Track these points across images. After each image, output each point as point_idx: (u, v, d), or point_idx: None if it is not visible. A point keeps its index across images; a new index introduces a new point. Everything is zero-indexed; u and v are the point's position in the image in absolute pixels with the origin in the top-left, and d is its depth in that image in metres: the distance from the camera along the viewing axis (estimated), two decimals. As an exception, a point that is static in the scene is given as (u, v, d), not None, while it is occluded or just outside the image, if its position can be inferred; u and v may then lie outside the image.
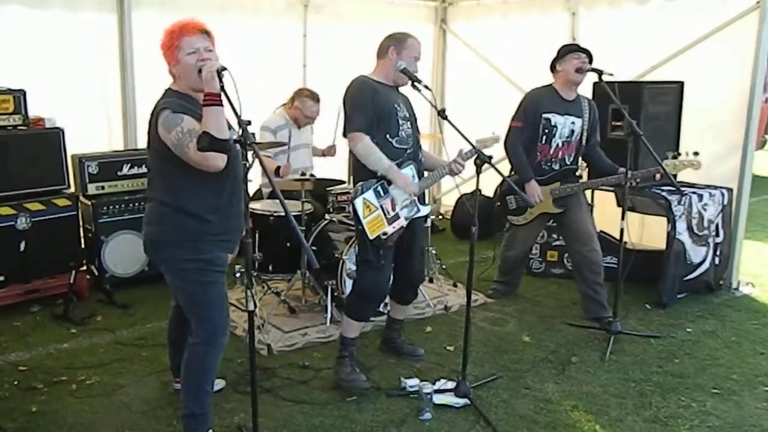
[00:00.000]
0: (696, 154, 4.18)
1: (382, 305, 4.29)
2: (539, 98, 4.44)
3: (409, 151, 3.52)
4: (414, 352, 3.90)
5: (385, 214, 3.43)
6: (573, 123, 4.41)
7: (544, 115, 4.38)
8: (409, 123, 3.54)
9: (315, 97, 5.03)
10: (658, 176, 4.38)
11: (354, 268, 3.92)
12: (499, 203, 4.72)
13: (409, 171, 3.51)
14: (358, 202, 3.40)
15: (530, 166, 4.43)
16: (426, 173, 3.65)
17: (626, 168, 4.04)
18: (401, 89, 3.58)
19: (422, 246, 3.86)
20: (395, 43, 3.48)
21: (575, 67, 4.27)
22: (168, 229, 2.77)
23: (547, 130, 4.40)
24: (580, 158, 4.60)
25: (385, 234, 3.42)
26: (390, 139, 3.45)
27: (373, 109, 3.40)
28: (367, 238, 3.40)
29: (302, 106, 5.03)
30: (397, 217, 3.46)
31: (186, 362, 2.85)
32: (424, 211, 3.64)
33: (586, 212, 4.56)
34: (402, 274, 3.71)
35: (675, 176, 4.37)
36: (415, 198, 3.51)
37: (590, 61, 4.29)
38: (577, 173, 4.67)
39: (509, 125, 4.49)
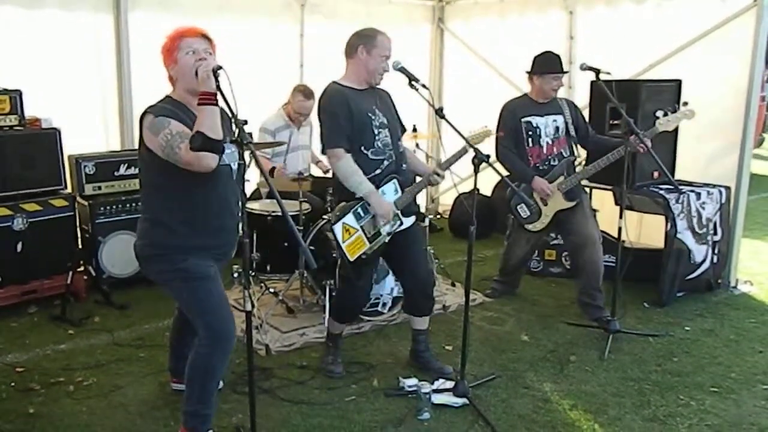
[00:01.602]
0: (685, 104, 4.19)
1: (381, 306, 4.32)
2: (515, 106, 4.52)
3: (387, 162, 3.42)
4: (442, 370, 3.66)
5: (365, 234, 3.39)
6: (555, 120, 4.46)
7: (524, 120, 4.44)
8: (387, 129, 3.43)
9: (306, 93, 5.05)
10: (656, 174, 4.38)
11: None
12: (512, 216, 4.69)
13: (392, 186, 3.43)
14: (337, 228, 3.35)
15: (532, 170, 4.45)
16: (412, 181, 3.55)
17: (625, 170, 4.02)
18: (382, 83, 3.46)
19: (424, 250, 3.75)
20: (364, 41, 3.35)
21: (552, 87, 4.38)
22: (146, 243, 2.85)
23: (530, 132, 4.45)
24: (575, 149, 4.60)
25: (365, 254, 3.40)
26: (365, 151, 3.36)
27: (348, 120, 3.31)
28: (348, 260, 3.38)
29: (293, 101, 5.06)
30: (378, 234, 3.41)
31: (190, 363, 2.85)
32: (408, 222, 3.52)
33: (590, 217, 4.52)
34: (411, 285, 3.63)
35: (673, 172, 4.37)
36: (398, 213, 3.44)
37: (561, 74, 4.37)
38: (576, 163, 4.67)
39: (495, 137, 4.47)
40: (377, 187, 3.38)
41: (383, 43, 3.37)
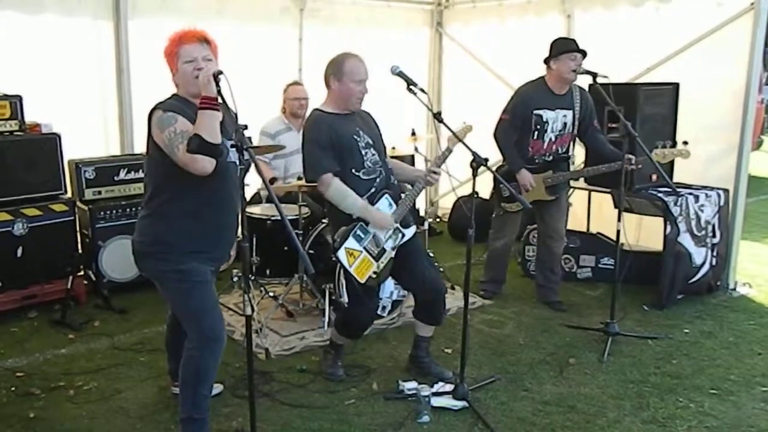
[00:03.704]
0: (685, 143, 4.24)
1: (380, 309, 4.32)
2: (529, 95, 4.51)
3: (378, 180, 3.42)
4: (442, 374, 3.65)
5: (370, 254, 3.38)
6: (565, 116, 4.49)
7: (536, 112, 4.46)
8: (373, 149, 3.43)
9: (295, 82, 5.20)
10: (654, 177, 4.40)
11: None
12: (494, 191, 4.79)
13: (385, 201, 3.42)
14: (341, 254, 3.33)
15: (523, 159, 4.53)
16: (403, 195, 3.52)
17: (622, 170, 4.05)
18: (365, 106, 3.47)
19: (427, 257, 3.72)
20: (334, 71, 3.35)
21: (570, 68, 4.32)
22: (145, 240, 2.85)
23: (538, 126, 4.48)
24: (572, 147, 4.66)
25: (375, 273, 3.39)
26: (356, 173, 3.36)
27: (333, 146, 3.31)
28: (358, 283, 3.37)
29: (287, 95, 5.14)
30: (383, 251, 3.41)
31: (182, 366, 2.87)
32: (410, 233, 3.51)
33: (564, 213, 4.78)
34: (422, 296, 3.58)
35: (671, 176, 4.40)
36: (398, 225, 3.45)
37: (584, 57, 4.35)
38: (570, 161, 4.73)
39: (499, 117, 4.58)
40: (372, 205, 3.38)
41: (353, 69, 3.33)
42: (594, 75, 4.06)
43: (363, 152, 3.39)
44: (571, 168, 4.72)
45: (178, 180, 2.70)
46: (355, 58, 3.38)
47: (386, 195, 3.45)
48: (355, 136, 3.38)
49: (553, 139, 4.51)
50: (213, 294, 2.89)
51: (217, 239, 2.89)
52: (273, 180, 4.86)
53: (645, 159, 4.26)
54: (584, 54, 4.33)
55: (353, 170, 3.36)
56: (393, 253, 3.45)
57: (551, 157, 4.55)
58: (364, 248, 3.37)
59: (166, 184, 2.78)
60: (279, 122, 5.16)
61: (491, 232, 4.98)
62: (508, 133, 4.53)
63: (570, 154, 4.66)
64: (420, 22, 7.20)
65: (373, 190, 3.40)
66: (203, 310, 2.83)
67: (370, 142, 3.44)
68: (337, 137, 3.33)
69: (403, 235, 3.48)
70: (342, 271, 3.49)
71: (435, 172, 3.43)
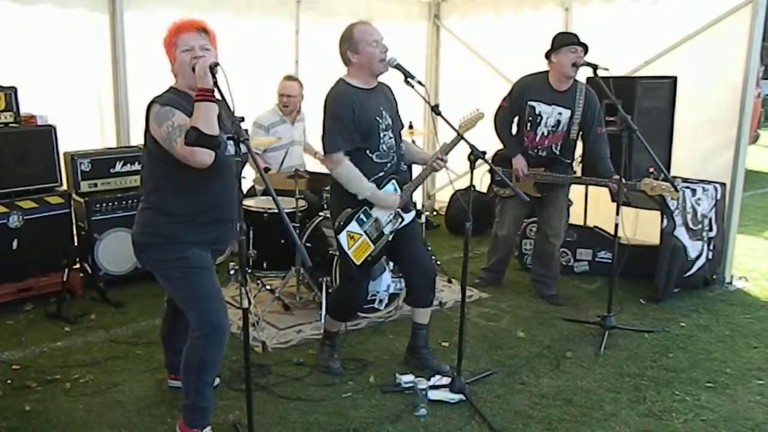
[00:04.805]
0: (683, 179, 4.39)
1: (377, 302, 4.32)
2: (527, 85, 4.54)
3: (389, 164, 3.42)
4: (439, 367, 3.65)
5: (369, 237, 3.40)
6: (560, 114, 4.46)
7: (530, 103, 4.47)
8: (391, 131, 3.42)
9: (287, 77, 5.19)
10: (651, 170, 4.39)
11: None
12: (489, 172, 4.81)
13: (391, 187, 3.43)
14: (342, 237, 3.36)
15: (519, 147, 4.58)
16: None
17: (621, 167, 4.03)
18: (382, 77, 3.43)
19: (422, 241, 3.76)
20: (348, 44, 3.32)
21: (571, 61, 4.31)
22: (146, 231, 2.83)
23: (531, 118, 4.49)
24: (572, 151, 4.63)
25: (370, 255, 3.42)
26: (370, 155, 3.35)
27: (355, 125, 3.28)
28: (354, 265, 3.39)
29: (278, 89, 5.13)
30: (382, 234, 3.43)
31: (185, 356, 2.85)
32: (408, 218, 3.53)
33: (562, 211, 4.79)
34: (414, 278, 3.62)
35: (668, 169, 4.39)
36: (399, 210, 3.45)
37: (585, 53, 4.33)
38: (571, 165, 4.72)
39: (499, 103, 4.66)
40: (378, 188, 3.37)
41: (364, 33, 3.31)
42: (594, 67, 4.05)
43: (381, 135, 3.36)
44: (576, 172, 4.76)
45: (179, 175, 2.69)
46: (362, 23, 3.37)
47: (393, 180, 3.45)
48: (378, 117, 3.35)
49: (545, 134, 4.49)
50: (216, 282, 2.88)
51: (219, 231, 2.89)
52: (266, 170, 4.85)
53: (633, 184, 4.20)
54: (586, 48, 4.31)
55: (368, 151, 3.35)
56: (390, 237, 3.47)
57: (545, 153, 4.53)
58: (365, 232, 3.39)
59: (166, 180, 2.77)
60: (273, 114, 5.15)
61: (496, 221, 5.01)
62: (506, 120, 4.62)
63: (569, 159, 4.62)
64: (417, 14, 7.18)
65: (381, 174, 3.39)
66: (207, 298, 2.81)
67: (390, 123, 3.42)
68: (360, 115, 3.29)
69: (403, 220, 3.49)
70: (338, 254, 3.49)
71: (442, 159, 3.41)
